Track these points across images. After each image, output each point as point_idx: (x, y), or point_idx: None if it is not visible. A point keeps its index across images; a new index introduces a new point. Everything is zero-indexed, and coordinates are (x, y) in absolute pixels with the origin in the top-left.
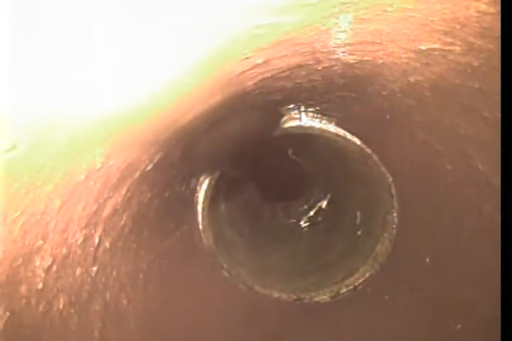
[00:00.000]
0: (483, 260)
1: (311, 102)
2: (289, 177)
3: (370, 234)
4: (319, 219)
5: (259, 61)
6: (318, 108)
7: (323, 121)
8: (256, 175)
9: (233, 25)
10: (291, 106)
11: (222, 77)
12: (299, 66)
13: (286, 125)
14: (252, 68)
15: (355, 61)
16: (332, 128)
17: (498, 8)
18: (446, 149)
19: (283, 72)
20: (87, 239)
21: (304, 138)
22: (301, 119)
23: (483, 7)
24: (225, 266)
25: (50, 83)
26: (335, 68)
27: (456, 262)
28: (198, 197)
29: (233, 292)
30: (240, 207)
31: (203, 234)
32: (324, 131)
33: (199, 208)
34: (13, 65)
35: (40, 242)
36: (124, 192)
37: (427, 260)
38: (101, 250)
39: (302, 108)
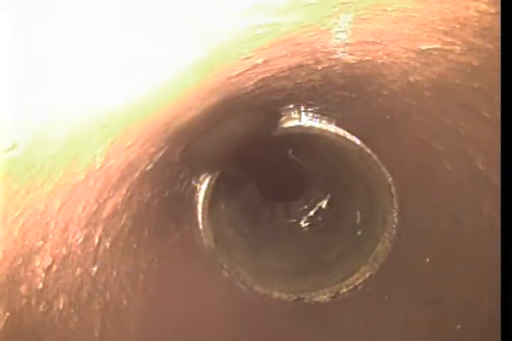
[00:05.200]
0: (483, 260)
1: (311, 102)
2: (289, 177)
3: (370, 234)
4: (319, 219)
5: (259, 61)
6: (318, 108)
7: (323, 121)
8: (256, 175)
9: (233, 25)
10: (291, 106)
11: (222, 76)
12: (299, 66)
13: (286, 125)
14: (252, 68)
15: (355, 61)
16: (332, 128)
17: (498, 8)
18: (446, 149)
19: (283, 72)
20: (87, 239)
21: (304, 138)
22: (301, 119)
23: (483, 7)
24: (225, 266)
25: (50, 83)
26: (335, 68)
27: (456, 262)
28: (198, 197)
29: (233, 292)
30: (240, 207)
31: (203, 234)
32: (324, 131)
33: (199, 208)
34: (13, 65)
35: (40, 242)
36: (124, 192)
37: (427, 260)
38: (101, 250)
39: (302, 108)
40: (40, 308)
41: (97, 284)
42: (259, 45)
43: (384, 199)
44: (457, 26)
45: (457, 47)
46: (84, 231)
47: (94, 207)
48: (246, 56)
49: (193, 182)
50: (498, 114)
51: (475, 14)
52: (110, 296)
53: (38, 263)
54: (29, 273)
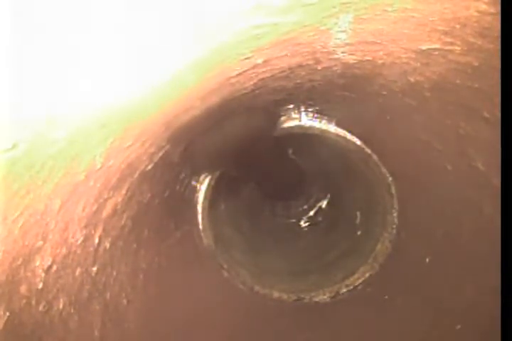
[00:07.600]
0: (483, 260)
1: (311, 102)
2: (289, 177)
3: (370, 234)
4: (319, 219)
5: (259, 61)
6: (318, 108)
7: (323, 121)
8: (256, 174)
9: (233, 25)
10: (291, 106)
11: (222, 76)
12: (299, 66)
13: (286, 125)
14: (252, 68)
15: (355, 61)
16: (332, 128)
17: (498, 8)
18: (446, 149)
19: (283, 72)
20: (87, 239)
21: (304, 138)
22: (301, 119)
23: (483, 7)
24: (225, 266)
25: (50, 83)
26: (335, 68)
27: (456, 262)
28: (198, 197)
29: (233, 292)
30: (240, 207)
31: (202, 234)
32: (324, 131)
33: (199, 208)
34: (13, 65)
35: (40, 242)
36: (124, 192)
37: (427, 260)
38: (101, 250)
39: (302, 108)
40: (40, 308)
41: (97, 284)
42: (259, 45)
43: (384, 199)
44: (457, 26)
45: (457, 47)
46: (84, 231)
47: (94, 207)
48: (246, 56)
49: (193, 182)
50: (498, 114)
51: (475, 14)
52: (110, 296)
53: (38, 263)
54: (29, 273)
